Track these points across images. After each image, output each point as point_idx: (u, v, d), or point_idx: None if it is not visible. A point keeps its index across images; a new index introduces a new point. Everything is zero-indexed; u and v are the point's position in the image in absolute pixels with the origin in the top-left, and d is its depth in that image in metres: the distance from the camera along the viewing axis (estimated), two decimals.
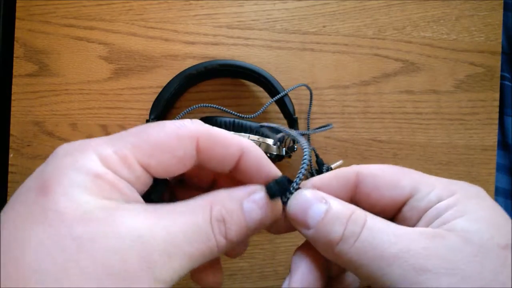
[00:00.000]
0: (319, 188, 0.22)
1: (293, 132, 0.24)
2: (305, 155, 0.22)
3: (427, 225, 0.20)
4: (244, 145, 0.21)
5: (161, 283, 0.17)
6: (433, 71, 0.47)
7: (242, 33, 0.45)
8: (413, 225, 0.21)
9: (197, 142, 0.20)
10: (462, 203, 0.20)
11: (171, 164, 0.20)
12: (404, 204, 0.22)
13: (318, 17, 0.46)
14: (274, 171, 0.22)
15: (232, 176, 0.22)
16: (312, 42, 0.46)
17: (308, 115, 0.45)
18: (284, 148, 0.40)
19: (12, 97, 0.42)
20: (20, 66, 0.42)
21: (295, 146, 0.40)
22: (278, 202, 0.21)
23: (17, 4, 0.42)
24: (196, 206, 0.19)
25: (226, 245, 0.19)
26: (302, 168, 0.22)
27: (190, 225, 0.18)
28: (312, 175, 0.43)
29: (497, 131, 0.48)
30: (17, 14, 0.42)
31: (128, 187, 0.19)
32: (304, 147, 0.22)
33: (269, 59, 0.45)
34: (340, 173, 0.23)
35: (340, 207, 0.20)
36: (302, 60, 0.45)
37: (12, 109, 0.42)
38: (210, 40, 0.44)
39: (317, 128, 0.42)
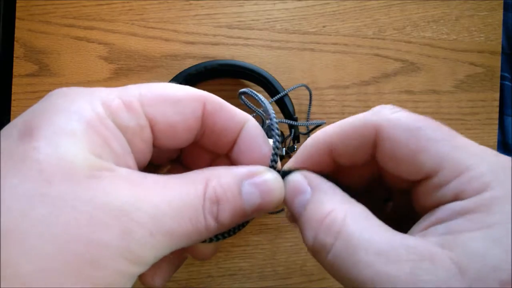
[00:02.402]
0: (336, 147, 0.19)
1: (263, 99, 0.22)
2: (272, 119, 0.20)
3: (428, 226, 0.16)
4: (248, 117, 0.20)
5: (138, 264, 0.15)
6: (433, 71, 0.47)
7: (242, 33, 0.45)
8: (421, 208, 0.18)
9: (204, 104, 0.19)
10: (488, 209, 0.15)
11: (176, 121, 0.18)
12: (420, 182, 0.17)
13: (318, 17, 0.46)
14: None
15: (229, 162, 0.21)
16: (312, 42, 0.46)
17: (308, 115, 0.45)
18: (284, 148, 0.40)
19: (12, 97, 0.42)
20: (20, 66, 0.42)
21: (295, 146, 0.40)
22: (281, 190, 0.19)
23: (17, 4, 0.42)
24: (190, 179, 0.17)
25: (216, 229, 0.17)
26: (275, 137, 0.20)
27: (179, 200, 0.16)
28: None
29: (497, 131, 0.48)
30: (17, 14, 0.42)
31: (123, 146, 0.17)
32: (271, 112, 0.21)
33: (269, 59, 0.45)
34: (359, 128, 0.19)
35: (319, 201, 0.18)
36: (302, 60, 0.45)
37: (12, 109, 0.42)
38: (210, 40, 0.44)
39: (308, 122, 0.42)
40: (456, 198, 0.16)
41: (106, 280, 0.14)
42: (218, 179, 0.18)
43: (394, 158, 0.17)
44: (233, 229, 0.20)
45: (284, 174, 0.20)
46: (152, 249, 0.15)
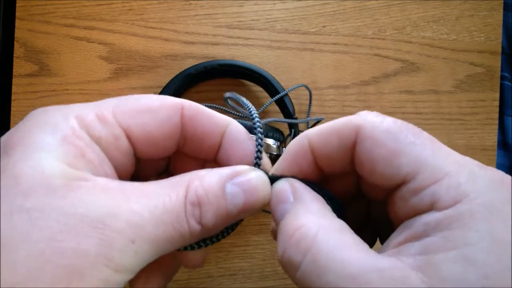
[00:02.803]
0: (316, 147, 0.19)
1: (246, 102, 0.22)
2: (254, 119, 0.20)
3: (402, 243, 0.15)
4: (230, 120, 0.20)
5: (122, 271, 0.15)
6: (433, 71, 0.47)
7: (242, 33, 0.45)
8: (399, 217, 0.17)
9: (181, 110, 0.19)
10: (463, 225, 0.14)
11: (153, 129, 0.18)
12: (397, 188, 0.17)
13: (318, 17, 0.46)
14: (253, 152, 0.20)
15: (218, 167, 0.20)
16: (312, 42, 0.46)
17: (308, 115, 0.45)
18: (284, 148, 0.40)
19: (12, 97, 0.42)
20: (20, 66, 0.42)
21: None
22: (266, 188, 0.19)
23: (17, 4, 0.42)
24: (171, 184, 0.17)
25: (202, 232, 0.17)
26: (257, 135, 0.20)
27: (160, 205, 0.16)
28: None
29: (497, 131, 0.48)
30: (17, 14, 0.42)
31: (99, 156, 0.17)
32: (253, 112, 0.21)
33: (269, 59, 0.45)
34: (339, 128, 0.18)
35: (294, 214, 0.17)
36: (302, 60, 0.45)
37: (12, 109, 0.42)
38: (210, 40, 0.44)
39: (307, 119, 0.41)
40: (431, 207, 0.15)
41: (88, 286, 0.14)
42: (200, 181, 0.17)
43: (372, 160, 0.17)
44: (221, 233, 0.20)
45: (272, 179, 0.19)
46: (135, 256, 0.15)
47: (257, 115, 0.21)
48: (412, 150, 0.16)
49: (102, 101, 0.18)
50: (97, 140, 0.17)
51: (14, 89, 0.42)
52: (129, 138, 0.18)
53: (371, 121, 0.17)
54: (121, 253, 0.14)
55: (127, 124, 0.18)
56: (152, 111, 0.18)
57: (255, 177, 0.18)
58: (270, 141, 0.38)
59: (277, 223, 0.18)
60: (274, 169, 0.20)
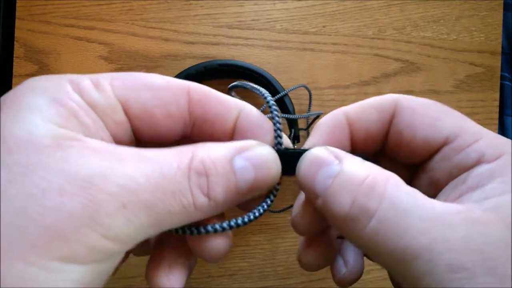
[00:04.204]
0: (354, 120, 0.19)
1: (256, 86, 0.21)
2: (269, 101, 0.19)
3: (462, 194, 0.16)
4: (243, 104, 0.19)
5: (112, 239, 0.13)
6: (433, 71, 0.47)
7: (242, 33, 0.45)
8: (441, 179, 0.18)
9: (187, 92, 0.18)
10: (510, 172, 0.15)
11: (154, 107, 0.17)
12: (437, 150, 0.18)
13: (318, 17, 0.46)
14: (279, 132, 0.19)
15: None
16: (312, 42, 0.46)
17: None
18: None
19: None
20: (20, 66, 0.42)
21: (295, 146, 0.40)
22: (277, 165, 0.18)
23: (17, 4, 0.42)
24: (173, 152, 0.15)
25: (209, 207, 0.16)
26: (274, 113, 0.18)
27: (158, 172, 0.14)
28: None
29: (497, 131, 0.48)
30: (17, 14, 0.42)
31: (95, 120, 0.16)
32: (266, 95, 0.20)
33: (269, 59, 0.45)
34: (378, 102, 0.19)
35: (353, 167, 0.16)
36: (302, 60, 0.45)
37: None
38: (210, 40, 0.44)
39: (306, 114, 0.41)
40: (478, 161, 0.16)
41: (76, 254, 0.13)
42: (207, 152, 0.16)
43: (413, 125, 0.18)
44: (245, 218, 0.18)
45: (298, 154, 0.18)
46: (127, 223, 0.14)
47: (269, 95, 0.20)
48: (449, 116, 0.18)
49: (100, 74, 0.17)
50: (92, 106, 0.16)
51: None
52: (126, 112, 0.17)
53: (407, 97, 0.19)
54: (110, 218, 0.13)
55: (125, 97, 0.16)
56: (154, 89, 0.17)
57: (265, 152, 0.17)
58: None
59: (321, 187, 0.16)
60: (309, 143, 0.19)
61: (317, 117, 0.42)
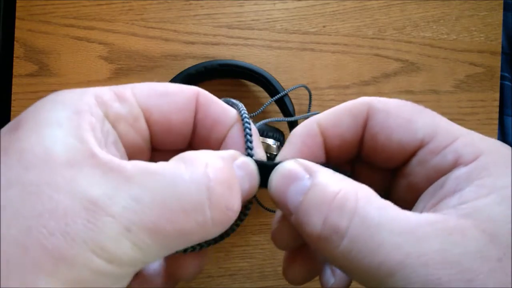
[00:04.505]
0: (327, 128, 0.19)
1: (236, 102, 0.20)
2: (241, 110, 0.19)
3: (440, 200, 0.15)
4: (237, 117, 0.19)
5: (117, 263, 0.13)
6: (433, 71, 0.47)
7: (242, 33, 0.45)
8: (419, 184, 0.17)
9: (197, 96, 0.18)
10: (490, 173, 0.14)
11: (171, 113, 0.17)
12: (414, 153, 0.17)
13: (318, 17, 0.46)
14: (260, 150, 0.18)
15: None
16: (312, 42, 0.46)
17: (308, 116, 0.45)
18: None
19: (12, 97, 0.42)
20: (20, 66, 0.42)
21: None
22: (257, 173, 0.17)
23: (17, 4, 0.42)
24: (182, 163, 0.14)
25: (230, 220, 0.15)
26: (246, 131, 0.18)
27: (165, 186, 0.14)
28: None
29: (497, 131, 0.48)
30: (17, 14, 0.42)
31: (110, 135, 0.16)
32: (240, 106, 0.19)
33: (269, 59, 0.45)
34: (350, 107, 0.18)
35: (324, 182, 0.15)
36: (302, 60, 0.45)
37: (12, 109, 0.42)
38: (210, 40, 0.44)
39: (303, 115, 0.41)
40: (456, 163, 0.15)
41: (83, 279, 0.12)
42: (216, 160, 0.15)
43: (387, 128, 0.17)
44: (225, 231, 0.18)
45: (270, 167, 0.17)
46: (133, 247, 0.13)
47: (244, 108, 0.19)
48: (424, 117, 0.17)
49: (120, 85, 0.17)
50: (115, 119, 0.16)
51: (14, 89, 0.42)
52: (147, 120, 0.17)
53: (379, 99, 0.18)
54: (114, 242, 0.13)
55: (146, 105, 0.17)
56: (170, 94, 0.17)
57: (251, 162, 0.17)
58: (270, 141, 0.38)
59: (292, 202, 0.16)
60: (281, 156, 0.19)
61: None
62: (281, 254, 0.44)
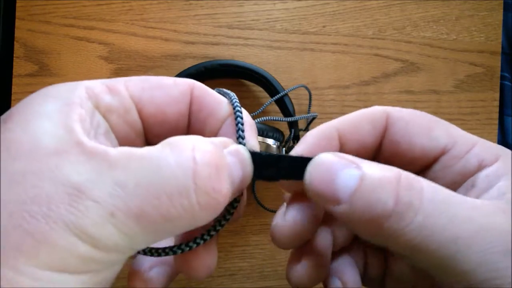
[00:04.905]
0: (346, 133, 0.19)
1: (226, 91, 0.20)
2: (233, 99, 0.19)
3: (479, 195, 0.16)
4: (230, 109, 0.19)
5: (103, 249, 0.13)
6: (433, 71, 0.47)
7: (242, 33, 0.45)
8: (445, 187, 0.17)
9: (192, 89, 0.18)
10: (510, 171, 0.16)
11: (166, 105, 0.17)
12: (435, 160, 0.18)
13: (318, 17, 0.46)
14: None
15: None
16: (312, 42, 0.46)
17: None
18: (284, 148, 0.40)
19: (12, 97, 0.42)
20: (20, 66, 0.42)
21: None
22: (251, 165, 0.17)
23: (17, 4, 0.42)
24: (167, 146, 0.14)
25: (218, 204, 0.14)
26: (237, 120, 0.18)
27: (151, 170, 0.13)
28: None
29: (497, 131, 0.48)
30: (17, 14, 0.42)
31: (101, 126, 0.16)
32: (232, 95, 0.19)
33: (269, 59, 0.45)
34: (369, 114, 0.19)
35: (380, 170, 0.15)
36: (302, 60, 0.45)
37: None
38: (210, 40, 0.44)
39: (301, 116, 0.41)
40: (480, 166, 0.17)
41: (66, 263, 0.12)
42: (204, 143, 0.15)
43: (408, 135, 0.18)
44: (219, 222, 0.17)
45: (269, 158, 0.17)
46: (118, 233, 0.13)
47: (236, 99, 0.19)
48: (441, 125, 0.18)
49: (115, 78, 0.17)
50: (106, 111, 0.16)
51: (14, 89, 0.42)
52: (140, 112, 0.17)
53: (395, 108, 0.19)
54: (98, 227, 0.13)
55: (138, 97, 0.17)
56: (165, 87, 0.17)
57: (244, 150, 0.16)
58: (270, 141, 0.38)
59: (345, 191, 0.15)
60: (294, 152, 0.19)
61: (313, 118, 0.42)
62: (281, 254, 0.44)
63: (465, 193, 0.17)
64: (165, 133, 0.18)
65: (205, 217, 0.14)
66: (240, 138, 0.17)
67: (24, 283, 0.12)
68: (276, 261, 0.44)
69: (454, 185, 0.18)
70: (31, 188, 0.13)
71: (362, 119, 0.19)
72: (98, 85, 0.16)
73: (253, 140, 0.18)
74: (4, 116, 0.15)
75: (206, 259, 0.17)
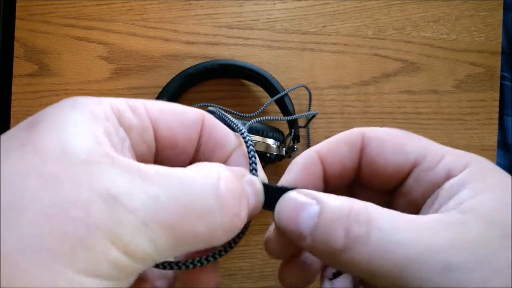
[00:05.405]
0: (326, 156, 0.20)
1: (234, 120, 0.21)
2: (244, 133, 0.20)
3: (440, 206, 0.17)
4: (239, 141, 0.20)
5: (133, 257, 0.13)
6: (433, 71, 0.47)
7: (242, 33, 0.45)
8: (418, 199, 0.19)
9: (203, 119, 0.19)
10: (478, 178, 0.17)
11: (178, 129, 0.18)
12: (408, 174, 0.19)
13: (318, 17, 0.46)
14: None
15: None
16: (312, 42, 0.46)
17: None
18: (284, 148, 0.40)
19: (12, 97, 0.42)
20: (20, 66, 0.42)
21: (295, 146, 0.40)
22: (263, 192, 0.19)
23: (17, 4, 0.42)
24: (197, 170, 0.16)
25: (236, 229, 0.16)
26: (251, 154, 0.19)
27: (182, 188, 0.15)
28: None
29: (497, 131, 0.48)
30: (17, 14, 0.42)
31: (124, 141, 0.16)
32: (242, 128, 0.20)
33: (269, 59, 0.45)
34: (346, 136, 0.20)
35: (334, 203, 0.17)
36: (302, 60, 0.45)
37: (12, 109, 0.42)
38: (210, 40, 0.44)
39: (302, 114, 0.41)
40: (448, 175, 0.18)
41: (99, 267, 0.13)
42: (228, 171, 0.16)
43: (383, 153, 0.19)
44: (229, 243, 0.19)
45: (274, 190, 0.19)
46: (149, 243, 0.14)
47: (245, 129, 0.21)
48: (413, 140, 0.19)
49: (133, 99, 0.18)
50: (127, 128, 0.17)
51: (14, 89, 0.42)
52: (155, 132, 0.18)
53: (370, 128, 0.20)
54: (131, 235, 0.13)
55: (155, 118, 0.18)
56: (180, 113, 0.19)
57: (256, 179, 0.18)
58: (270, 141, 0.38)
59: (306, 227, 0.17)
60: (282, 182, 0.20)
61: (313, 116, 0.43)
62: None
63: (431, 205, 0.18)
64: (173, 156, 0.19)
65: (223, 238, 0.16)
66: (254, 171, 0.19)
67: (58, 285, 0.12)
68: (276, 261, 0.44)
69: (425, 196, 0.19)
70: (68, 192, 0.13)
71: (341, 142, 0.20)
72: (121, 102, 0.17)
73: (262, 174, 0.20)
74: (29, 121, 0.15)
75: (213, 275, 0.19)
